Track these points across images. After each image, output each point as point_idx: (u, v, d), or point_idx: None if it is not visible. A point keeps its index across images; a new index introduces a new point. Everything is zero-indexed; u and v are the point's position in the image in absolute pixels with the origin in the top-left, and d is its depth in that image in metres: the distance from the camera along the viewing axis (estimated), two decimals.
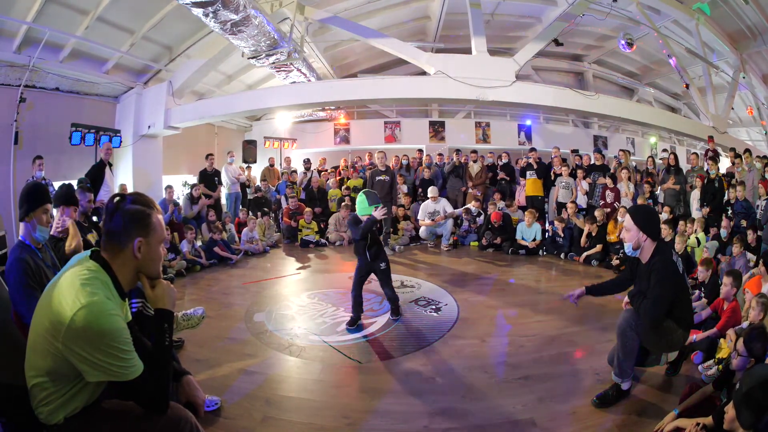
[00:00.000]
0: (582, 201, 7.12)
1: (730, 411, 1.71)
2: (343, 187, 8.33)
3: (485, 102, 6.92)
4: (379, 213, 3.59)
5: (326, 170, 9.52)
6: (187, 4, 4.84)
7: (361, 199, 3.72)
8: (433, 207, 7.15)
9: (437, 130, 11.89)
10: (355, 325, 3.68)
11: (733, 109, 9.47)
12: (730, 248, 4.77)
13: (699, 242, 5.43)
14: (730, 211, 5.96)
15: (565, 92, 7.37)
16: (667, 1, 8.03)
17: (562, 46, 7.67)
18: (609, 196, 6.76)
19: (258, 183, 9.03)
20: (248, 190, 8.92)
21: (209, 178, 7.67)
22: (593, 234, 6.14)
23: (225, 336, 3.53)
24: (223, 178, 8.12)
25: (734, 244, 4.64)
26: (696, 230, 5.60)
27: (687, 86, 8.52)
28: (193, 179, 8.30)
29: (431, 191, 7.25)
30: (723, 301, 3.26)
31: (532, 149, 8.20)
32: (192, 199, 7.02)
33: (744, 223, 5.53)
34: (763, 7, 7.82)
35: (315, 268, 5.96)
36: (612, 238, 6.05)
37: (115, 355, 1.27)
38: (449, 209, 7.18)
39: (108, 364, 1.26)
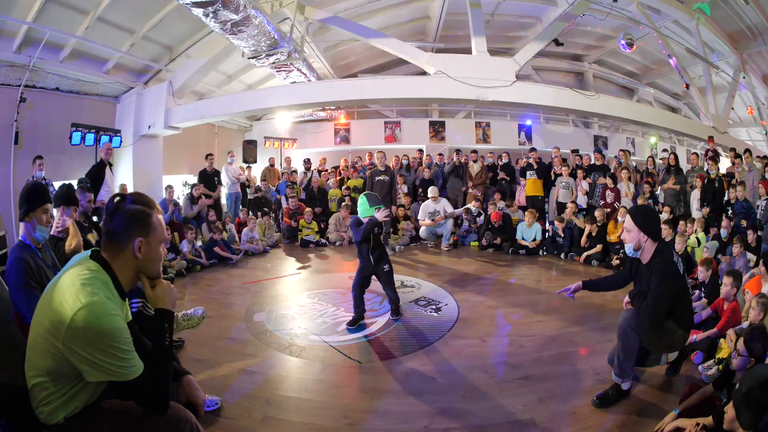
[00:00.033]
0: (582, 201, 7.12)
1: (729, 411, 1.71)
2: (343, 187, 8.33)
3: (485, 102, 6.93)
4: (381, 215, 3.58)
5: (326, 170, 9.52)
6: (187, 4, 4.84)
7: (362, 201, 3.72)
8: (433, 207, 7.15)
9: (437, 130, 11.88)
10: (356, 324, 3.68)
11: (733, 109, 9.48)
12: (730, 248, 4.77)
13: (699, 242, 5.43)
14: (730, 211, 5.97)
15: (565, 92, 7.37)
16: (667, 1, 8.04)
17: (562, 46, 7.68)
18: (609, 196, 6.76)
19: (258, 183, 9.04)
20: (248, 190, 8.92)
21: (209, 178, 7.67)
22: (593, 234, 6.14)
23: (225, 336, 3.53)
24: (224, 178, 8.12)
25: (734, 244, 4.65)
26: (696, 230, 5.60)
27: (687, 86, 8.53)
28: (194, 179, 8.30)
29: (431, 191, 7.25)
30: (723, 301, 3.26)
31: (533, 149, 8.19)
32: (192, 199, 7.02)
33: (744, 223, 5.53)
34: (763, 7, 7.83)
35: (315, 268, 5.96)
36: (612, 238, 6.05)
37: (116, 355, 1.27)
38: (449, 209, 7.18)
39: (108, 364, 1.26)
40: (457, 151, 8.53)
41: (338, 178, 8.93)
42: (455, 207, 7.57)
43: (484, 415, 2.39)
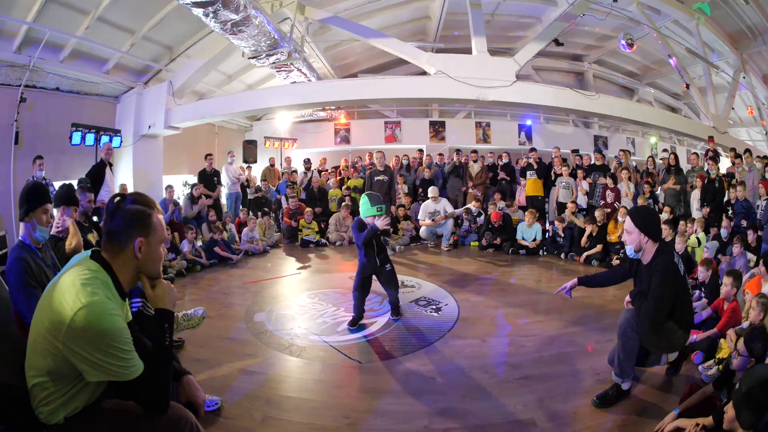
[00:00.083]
0: (582, 201, 7.12)
1: (729, 411, 1.71)
2: (343, 187, 8.33)
3: (485, 102, 6.93)
4: (381, 223, 3.57)
5: (326, 170, 9.51)
6: (187, 4, 4.84)
7: (363, 201, 3.72)
8: (433, 207, 7.15)
9: (437, 130, 11.89)
10: (356, 324, 3.68)
11: (733, 109, 9.48)
12: (730, 248, 4.77)
13: (699, 242, 5.43)
14: (730, 211, 5.96)
15: (565, 92, 7.38)
16: (667, 1, 8.04)
17: (562, 46, 7.69)
18: (609, 196, 6.76)
19: (258, 183, 9.04)
20: (248, 190, 8.92)
21: (208, 178, 7.67)
22: (594, 234, 6.13)
23: (225, 336, 3.53)
24: (224, 178, 8.13)
25: (734, 244, 4.64)
26: (696, 230, 5.60)
27: (687, 86, 8.53)
28: (194, 179, 8.31)
29: (431, 191, 7.25)
30: (723, 302, 3.26)
31: (533, 149, 8.19)
32: (192, 199, 7.02)
33: (744, 223, 5.52)
34: (763, 7, 7.83)
35: (315, 268, 5.96)
36: (612, 238, 6.05)
37: (116, 355, 1.27)
38: (449, 209, 7.18)
39: (108, 363, 1.26)
40: (457, 151, 8.53)
41: (338, 178, 8.93)
42: (455, 207, 7.57)
43: (484, 415, 2.39)
